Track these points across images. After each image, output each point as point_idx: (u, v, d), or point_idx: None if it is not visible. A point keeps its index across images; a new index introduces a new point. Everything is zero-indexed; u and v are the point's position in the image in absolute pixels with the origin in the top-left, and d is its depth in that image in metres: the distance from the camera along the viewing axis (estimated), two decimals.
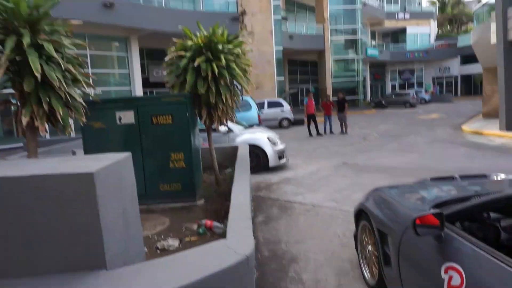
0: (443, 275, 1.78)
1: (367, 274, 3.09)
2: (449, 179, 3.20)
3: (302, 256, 3.75)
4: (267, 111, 17.02)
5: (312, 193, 6.11)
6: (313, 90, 25.95)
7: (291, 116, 17.65)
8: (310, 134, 13.90)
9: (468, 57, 32.75)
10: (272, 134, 8.44)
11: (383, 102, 29.19)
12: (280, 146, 8.18)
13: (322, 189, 6.36)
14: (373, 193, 3.13)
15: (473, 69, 33.60)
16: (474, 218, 1.92)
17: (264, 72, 20.39)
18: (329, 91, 26.29)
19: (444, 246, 1.87)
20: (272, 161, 7.91)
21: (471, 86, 38.49)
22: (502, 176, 3.11)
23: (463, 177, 3.17)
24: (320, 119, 14.52)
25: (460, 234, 1.81)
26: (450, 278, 1.73)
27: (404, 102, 28.48)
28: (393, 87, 40.02)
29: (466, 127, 13.33)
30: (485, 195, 2.15)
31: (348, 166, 8.19)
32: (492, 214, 2.06)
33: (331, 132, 14.26)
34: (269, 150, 7.89)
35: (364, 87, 33.58)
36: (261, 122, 13.80)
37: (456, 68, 39.13)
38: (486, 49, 13.92)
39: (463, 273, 1.66)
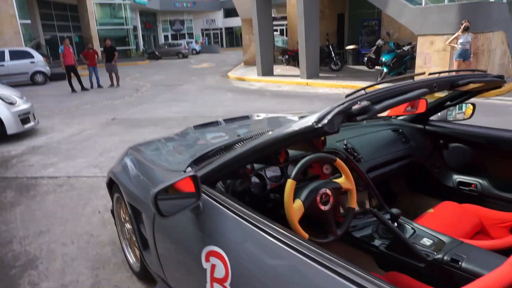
0: (204, 263, 1.25)
1: (131, 258, 2.41)
2: (213, 124, 2.80)
3: (44, 254, 2.69)
4: (9, 64, 13.25)
5: (69, 161, 4.86)
6: (76, 39, 22.19)
7: (46, 69, 14.42)
8: (73, 90, 11.71)
9: (230, 11, 35.63)
10: (6, 91, 6.30)
11: (157, 53, 28.42)
12: (23, 106, 6.23)
13: (84, 154, 5.18)
14: (126, 154, 2.37)
15: (235, 22, 36.96)
16: (238, 173, 1.46)
17: None
18: (96, 41, 23.21)
19: (203, 223, 1.33)
20: (12, 127, 5.94)
21: (234, 38, 42.74)
22: (261, 115, 2.98)
23: (227, 120, 2.83)
24: (85, 72, 12.42)
25: (222, 202, 1.29)
26: (213, 268, 1.20)
27: (177, 53, 28.68)
28: (166, 37, 39.62)
29: (231, 75, 14.38)
30: (249, 140, 1.74)
31: (117, 122, 7.16)
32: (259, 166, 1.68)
33: (99, 85, 12.47)
34: (3, 112, 5.84)
35: (136, 37, 31.66)
36: None
37: (220, 20, 42.24)
38: (243, 1, 15.04)
39: (226, 259, 1.15)
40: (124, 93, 11.16)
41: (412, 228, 1.71)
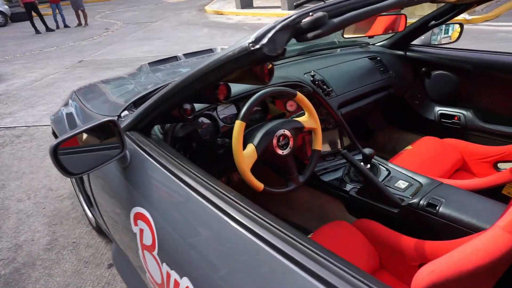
0: (133, 227, 1.04)
1: (89, 212, 2.22)
2: (171, 60, 2.46)
3: None
4: None
5: (29, 110, 4.49)
6: None
7: (5, 8, 13.14)
8: (37, 31, 10.77)
9: None
10: None
11: None
12: None
13: (45, 101, 4.79)
14: (70, 98, 2.06)
15: None
16: (174, 115, 1.19)
17: None
18: None
19: (130, 179, 1.09)
20: None
21: None
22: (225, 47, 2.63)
23: (188, 55, 2.48)
24: (48, 11, 11.36)
25: (150, 152, 1.05)
26: (141, 233, 0.99)
27: None
28: None
29: (208, 8, 13.36)
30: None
31: (84, 65, 6.64)
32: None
33: (65, 25, 11.47)
34: None
35: None
36: None
37: None
38: None
39: (152, 224, 0.93)
40: (92, 32, 10.32)
41: (387, 170, 1.52)
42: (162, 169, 0.97)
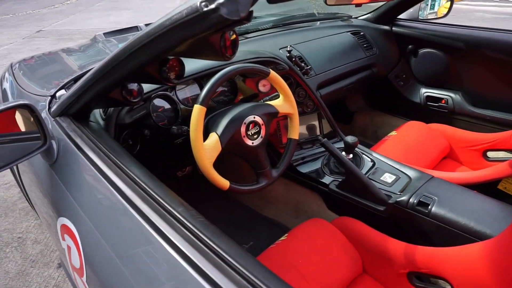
0: (62, 242, 0.82)
1: None
2: (131, 30, 2.15)
3: None
4: None
5: None
6: None
7: None
8: None
9: None
10: None
11: None
12: None
13: None
14: (6, 72, 1.76)
15: None
16: (114, 98, 0.95)
17: None
18: None
19: (56, 179, 0.86)
20: None
21: None
22: None
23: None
24: None
25: (80, 145, 0.82)
26: (69, 251, 0.78)
27: None
28: None
29: None
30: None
31: (43, 35, 6.10)
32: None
33: None
34: None
35: None
36: None
37: None
38: None
39: (79, 241, 0.72)
40: (54, 0, 9.56)
41: (371, 160, 1.35)
42: (93, 169, 0.74)
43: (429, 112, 1.92)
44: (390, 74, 1.98)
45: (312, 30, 1.80)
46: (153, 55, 0.69)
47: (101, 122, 1.01)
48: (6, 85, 1.61)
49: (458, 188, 1.15)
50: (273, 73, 1.06)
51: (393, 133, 1.66)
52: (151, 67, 0.77)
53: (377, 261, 1.10)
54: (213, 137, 0.97)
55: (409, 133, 1.64)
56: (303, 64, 1.51)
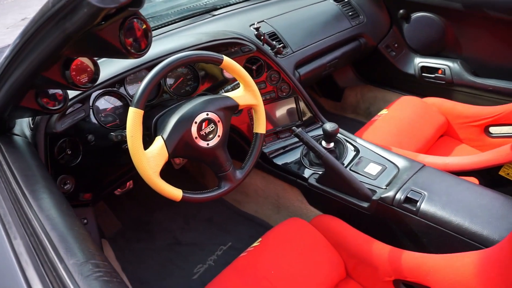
0: None
1: None
2: None
3: None
4: None
5: None
6: None
7: None
8: None
9: None
10: None
11: None
12: None
13: None
14: None
15: None
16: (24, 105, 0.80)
17: None
18: None
19: None
20: None
21: None
22: None
23: None
24: None
25: None
26: None
27: None
28: None
29: None
30: None
31: None
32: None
33: None
34: None
35: None
36: None
37: None
38: None
39: None
40: None
41: (355, 149, 1.20)
42: None
43: (425, 85, 1.73)
44: (380, 44, 1.78)
45: (287, 1, 1.60)
46: (38, 58, 0.54)
47: (28, 133, 0.87)
48: None
49: (452, 179, 1.00)
50: (226, 59, 0.90)
51: (384, 111, 1.49)
52: (49, 71, 0.62)
53: (361, 266, 0.98)
54: (158, 142, 0.82)
55: (401, 111, 1.47)
56: (274, 42, 1.33)
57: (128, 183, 1.33)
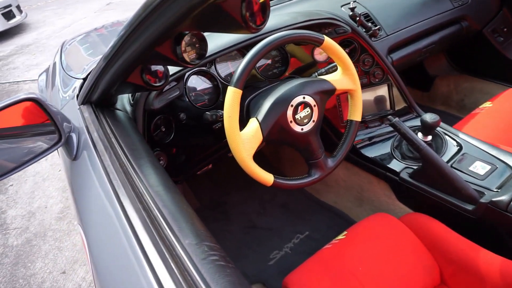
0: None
1: None
2: None
3: (16, 175, 2.38)
4: None
5: None
6: None
7: None
8: None
9: None
10: None
11: None
12: None
13: None
14: (59, 52, 1.75)
15: None
16: (134, 82, 0.82)
17: None
18: None
19: (75, 183, 0.78)
20: None
21: None
22: None
23: None
24: None
25: (94, 141, 0.71)
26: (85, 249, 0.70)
27: None
28: None
29: None
30: None
31: (113, 7, 6.31)
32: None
33: None
34: None
35: None
36: None
37: None
38: None
39: (91, 264, 0.62)
40: None
41: (458, 144, 1.07)
42: (102, 172, 0.63)
43: None
44: (486, 28, 1.58)
45: None
46: (156, 32, 0.53)
47: (129, 108, 0.90)
48: (56, 65, 1.59)
49: None
50: (327, 40, 0.84)
51: (488, 104, 1.33)
52: (161, 46, 0.61)
53: (461, 274, 0.88)
54: (253, 124, 0.80)
55: (510, 104, 1.29)
56: (369, 24, 1.23)
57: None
